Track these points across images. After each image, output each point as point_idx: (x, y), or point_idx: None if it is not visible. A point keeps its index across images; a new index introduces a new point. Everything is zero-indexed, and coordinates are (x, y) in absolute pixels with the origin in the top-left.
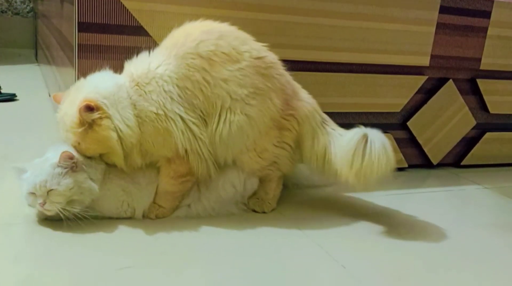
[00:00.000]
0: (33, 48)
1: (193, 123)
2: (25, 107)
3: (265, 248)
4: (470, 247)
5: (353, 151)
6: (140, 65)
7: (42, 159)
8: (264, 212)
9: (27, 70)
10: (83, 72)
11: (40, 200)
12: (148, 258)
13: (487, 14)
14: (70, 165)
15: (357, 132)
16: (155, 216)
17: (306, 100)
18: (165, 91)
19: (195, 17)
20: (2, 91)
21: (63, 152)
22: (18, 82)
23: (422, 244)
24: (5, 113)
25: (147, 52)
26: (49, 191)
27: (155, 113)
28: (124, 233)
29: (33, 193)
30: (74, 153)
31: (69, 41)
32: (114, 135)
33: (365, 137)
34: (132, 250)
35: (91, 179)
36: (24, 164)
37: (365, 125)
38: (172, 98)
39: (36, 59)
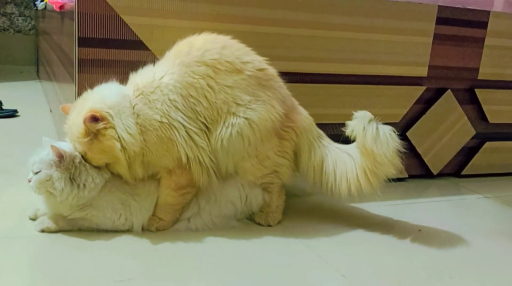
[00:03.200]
0: (35, 65)
1: (195, 132)
2: (26, 123)
3: (264, 258)
4: (471, 256)
5: (367, 123)
6: (145, 75)
7: (57, 143)
8: (270, 225)
9: (29, 87)
10: (83, 87)
11: (29, 176)
12: (148, 270)
13: (483, 24)
14: (57, 161)
15: (365, 112)
16: (155, 229)
17: (303, 115)
18: (169, 99)
19: (193, 30)
20: (4, 107)
21: (55, 147)
22: (20, 99)
23: (423, 253)
24: (7, 129)
25: (152, 64)
26: (34, 173)
27: (159, 121)
28: (124, 245)
29: None
30: (73, 153)
31: (69, 57)
32: (117, 144)
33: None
34: (132, 262)
35: (75, 182)
36: (50, 141)
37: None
38: (176, 107)
39: (38, 76)
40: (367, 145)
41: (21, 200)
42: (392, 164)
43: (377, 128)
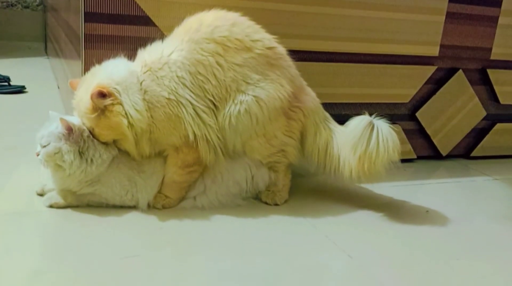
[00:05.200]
0: (43, 41)
1: (203, 110)
2: (34, 99)
3: (271, 237)
4: (479, 238)
5: (359, 136)
6: (153, 51)
7: (66, 117)
8: (276, 204)
9: (37, 63)
10: (89, 63)
11: (37, 150)
12: (154, 247)
13: (497, 3)
14: (66, 134)
15: (363, 118)
16: (161, 206)
17: (311, 96)
18: (177, 76)
19: (201, 7)
20: (12, 83)
21: (64, 120)
22: (28, 75)
23: (430, 234)
24: (15, 105)
25: (160, 40)
26: (43, 146)
27: (166, 98)
28: (130, 223)
29: None
30: (82, 127)
31: (76, 32)
32: (125, 121)
33: (371, 123)
34: (137, 239)
35: (84, 156)
36: (57, 115)
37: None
38: (184, 84)
39: (46, 52)
40: (357, 153)
41: (29, 176)
42: (384, 167)
43: (368, 138)
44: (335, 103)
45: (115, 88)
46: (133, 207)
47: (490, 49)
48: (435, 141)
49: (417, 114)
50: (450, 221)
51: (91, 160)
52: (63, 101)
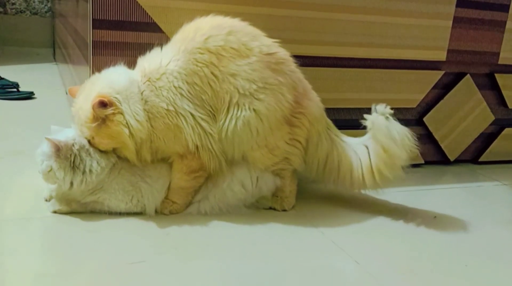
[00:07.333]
0: (51, 47)
1: (203, 119)
2: (42, 105)
3: (278, 242)
4: (487, 243)
5: (384, 127)
6: (152, 60)
7: (61, 131)
8: (284, 210)
9: (45, 69)
10: (98, 69)
11: (39, 168)
12: (160, 253)
13: (505, 8)
14: (54, 152)
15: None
16: (168, 212)
17: (315, 101)
18: (175, 87)
19: (208, 13)
20: (20, 89)
21: (50, 139)
22: (36, 81)
23: (438, 240)
24: (23, 111)
25: (159, 48)
26: (40, 164)
27: (165, 109)
28: (137, 228)
29: None
30: (70, 141)
31: (84, 39)
32: (125, 130)
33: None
34: (144, 245)
35: (79, 169)
36: (58, 129)
37: None
38: (182, 95)
39: (54, 58)
40: (384, 144)
41: (36, 181)
42: (403, 166)
43: (395, 129)
44: (342, 109)
45: (116, 97)
46: (140, 213)
47: (498, 54)
48: (442, 146)
49: (425, 119)
50: (458, 226)
51: (90, 170)
52: (71, 107)
